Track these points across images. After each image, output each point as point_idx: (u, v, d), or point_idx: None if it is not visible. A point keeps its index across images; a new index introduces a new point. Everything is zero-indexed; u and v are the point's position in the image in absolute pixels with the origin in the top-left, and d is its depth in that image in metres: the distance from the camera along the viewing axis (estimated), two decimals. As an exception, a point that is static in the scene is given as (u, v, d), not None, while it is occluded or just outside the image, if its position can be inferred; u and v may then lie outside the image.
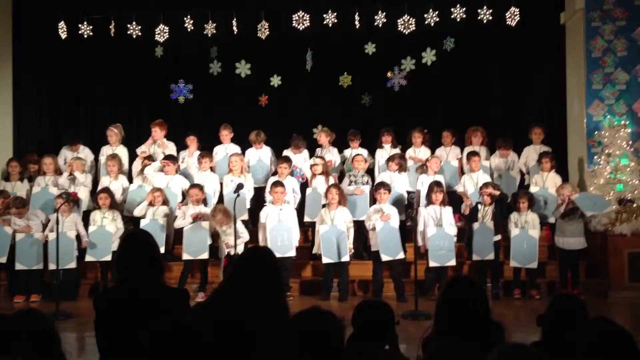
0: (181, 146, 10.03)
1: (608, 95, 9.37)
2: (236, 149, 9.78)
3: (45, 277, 8.49)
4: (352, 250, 8.50)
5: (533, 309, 7.38)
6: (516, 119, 10.64)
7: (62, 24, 10.31)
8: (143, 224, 8.55)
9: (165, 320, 2.60)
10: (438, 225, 8.39)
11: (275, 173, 9.43)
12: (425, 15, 10.05)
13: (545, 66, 10.48)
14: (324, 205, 8.77)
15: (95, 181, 9.69)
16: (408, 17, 10.03)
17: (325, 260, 8.27)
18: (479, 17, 9.90)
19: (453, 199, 9.21)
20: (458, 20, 10.00)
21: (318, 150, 9.95)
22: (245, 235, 8.42)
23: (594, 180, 8.98)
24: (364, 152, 9.78)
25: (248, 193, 9.13)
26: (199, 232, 8.44)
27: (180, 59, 11.08)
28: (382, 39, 10.50)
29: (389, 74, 10.80)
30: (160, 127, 9.83)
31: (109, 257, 8.36)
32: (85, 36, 10.34)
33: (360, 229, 8.72)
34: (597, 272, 8.80)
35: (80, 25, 10.27)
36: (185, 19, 10.29)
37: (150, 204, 8.74)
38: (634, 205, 8.53)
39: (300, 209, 9.14)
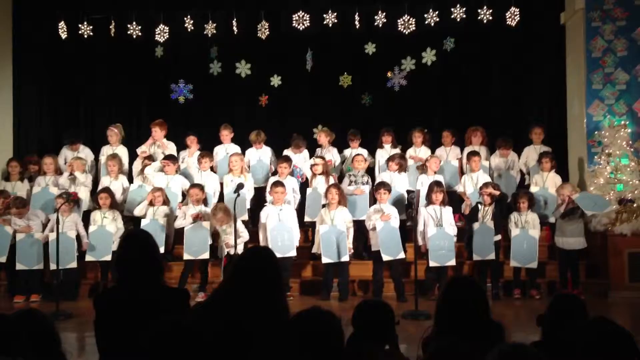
0: (181, 146, 10.03)
1: (608, 95, 9.37)
2: (236, 149, 9.79)
3: (46, 277, 8.49)
4: (352, 250, 8.50)
5: (533, 309, 7.38)
6: (516, 119, 10.64)
7: (62, 24, 10.31)
8: (143, 223, 8.55)
9: (165, 320, 2.60)
10: (438, 225, 8.39)
11: (275, 173, 9.43)
12: (425, 15, 10.04)
13: (545, 66, 10.47)
14: (324, 205, 8.78)
15: (96, 181, 9.69)
16: (408, 17, 10.02)
17: (325, 260, 8.27)
18: (479, 17, 9.90)
19: (453, 199, 9.22)
20: (458, 20, 10.00)
21: (318, 150, 9.95)
22: (245, 235, 8.43)
23: (594, 180, 8.98)
24: (364, 152, 9.78)
25: (248, 193, 9.14)
26: (199, 232, 8.44)
27: (180, 59, 11.08)
28: (382, 39, 10.50)
29: (389, 74, 10.80)
30: (160, 127, 9.84)
31: (109, 257, 8.35)
32: (85, 36, 10.34)
33: (360, 228, 8.72)
34: (597, 272, 8.80)
35: (80, 25, 10.27)
36: (185, 19, 10.29)
37: (151, 203, 8.74)
38: (634, 205, 8.53)
39: (301, 209, 9.14)
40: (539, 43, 10.46)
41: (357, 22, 10.10)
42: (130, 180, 9.63)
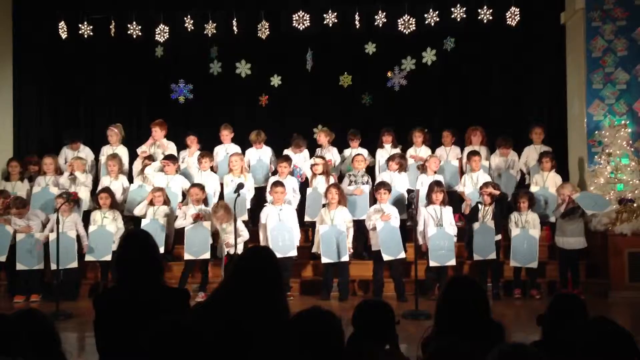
0: (181, 146, 10.03)
1: (608, 95, 9.37)
2: (236, 148, 9.78)
3: (46, 277, 8.48)
4: (352, 250, 8.50)
5: (533, 308, 7.38)
6: (516, 118, 10.64)
7: (62, 24, 10.30)
8: (143, 223, 8.54)
9: (165, 320, 2.60)
10: (438, 225, 8.39)
11: (275, 173, 9.43)
12: (426, 15, 10.04)
13: (545, 66, 10.47)
14: (324, 205, 8.77)
15: (96, 181, 9.69)
16: (408, 17, 10.02)
17: (324, 260, 8.27)
18: (479, 17, 9.90)
19: (453, 198, 9.21)
20: (458, 20, 10.00)
21: (318, 150, 9.94)
22: (245, 234, 8.43)
23: (594, 180, 8.98)
24: (364, 151, 9.78)
25: (248, 193, 9.13)
26: (200, 232, 8.44)
27: (180, 59, 11.08)
28: (382, 38, 10.50)
29: (389, 74, 10.80)
30: (161, 127, 9.84)
31: (109, 257, 8.34)
32: (86, 36, 10.34)
33: (360, 228, 8.72)
34: (597, 272, 8.79)
35: (80, 25, 10.27)
36: (185, 19, 10.29)
37: (151, 203, 8.74)
38: (635, 204, 8.53)
39: (301, 209, 9.14)
40: (539, 43, 10.45)
41: (357, 22, 10.10)
42: (131, 180, 9.63)
